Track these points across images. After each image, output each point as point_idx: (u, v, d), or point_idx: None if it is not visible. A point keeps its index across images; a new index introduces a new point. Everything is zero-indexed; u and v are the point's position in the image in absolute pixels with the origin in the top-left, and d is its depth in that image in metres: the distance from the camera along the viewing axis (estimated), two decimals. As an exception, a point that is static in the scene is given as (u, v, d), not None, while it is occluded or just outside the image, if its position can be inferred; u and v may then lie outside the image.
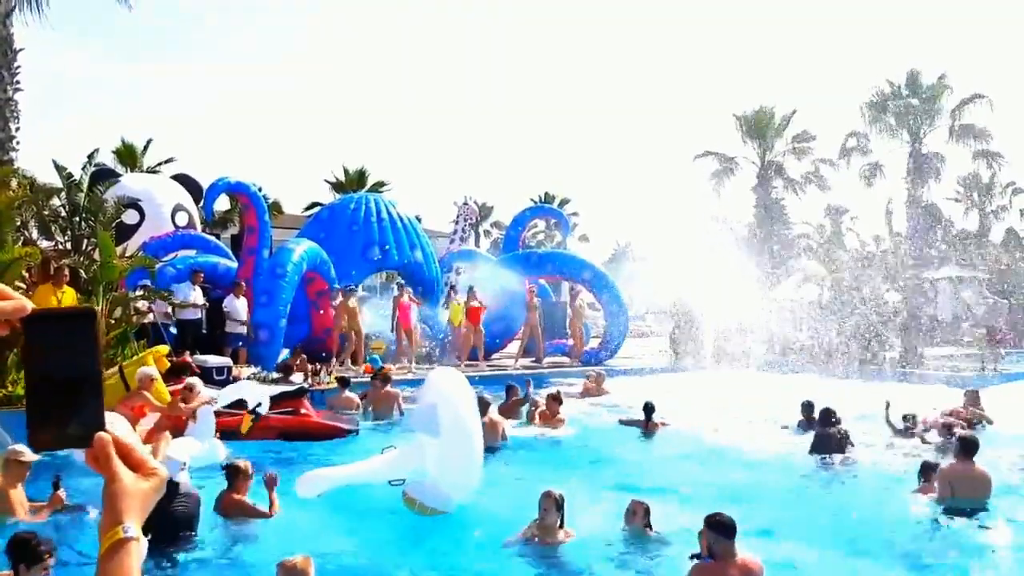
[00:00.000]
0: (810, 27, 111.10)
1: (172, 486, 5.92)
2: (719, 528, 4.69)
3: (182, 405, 8.94)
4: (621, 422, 11.37)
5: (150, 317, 13.93)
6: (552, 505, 5.92)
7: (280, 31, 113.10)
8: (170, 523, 5.77)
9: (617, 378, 16.56)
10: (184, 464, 6.07)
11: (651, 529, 6.13)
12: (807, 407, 10.93)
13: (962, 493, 7.15)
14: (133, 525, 1.09)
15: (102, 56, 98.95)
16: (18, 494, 6.14)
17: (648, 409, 11.04)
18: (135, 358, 10.54)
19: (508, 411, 11.45)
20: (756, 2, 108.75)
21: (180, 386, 9.59)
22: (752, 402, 12.15)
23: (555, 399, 11.34)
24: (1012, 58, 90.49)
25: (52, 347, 1.08)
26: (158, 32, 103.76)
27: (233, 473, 6.56)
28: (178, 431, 8.69)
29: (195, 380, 9.34)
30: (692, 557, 4.85)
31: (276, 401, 9.66)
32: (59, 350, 1.08)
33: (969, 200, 36.86)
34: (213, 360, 11.91)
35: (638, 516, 6.11)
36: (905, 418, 10.56)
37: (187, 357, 11.64)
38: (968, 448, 7.33)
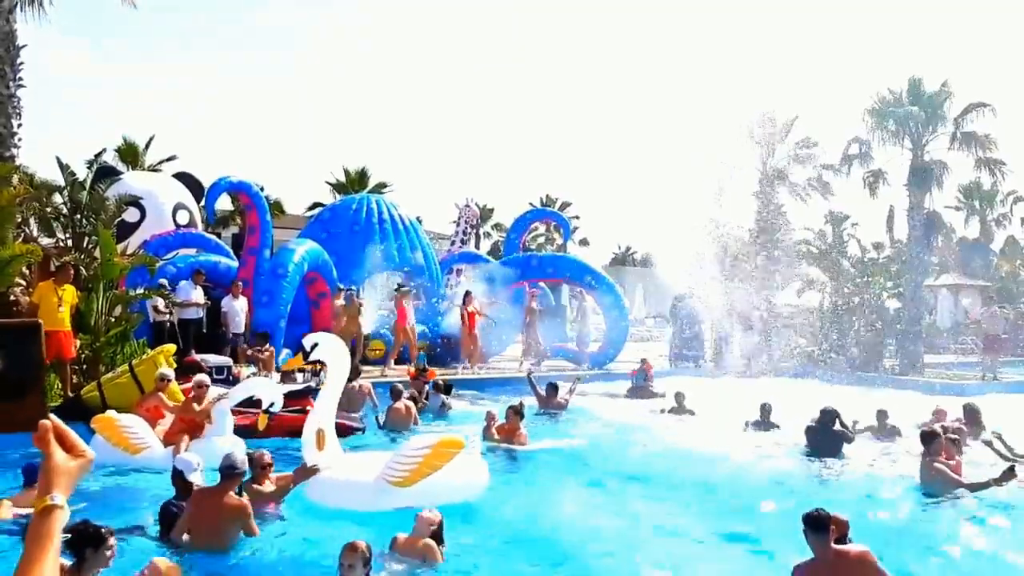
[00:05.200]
0: (812, 33, 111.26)
1: (187, 486, 5.94)
2: (808, 522, 4.85)
3: (195, 406, 8.94)
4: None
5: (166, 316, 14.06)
6: (358, 561, 4.82)
7: (281, 31, 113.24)
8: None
9: (617, 382, 16.58)
10: (198, 465, 6.10)
11: (442, 545, 5.64)
12: (765, 408, 11.51)
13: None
14: (60, 495, 1.40)
15: (103, 54, 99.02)
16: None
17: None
18: (145, 357, 10.55)
19: (547, 402, 12.74)
20: (758, 8, 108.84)
21: (190, 384, 9.68)
22: (745, 406, 12.11)
23: (517, 412, 10.16)
24: (1015, 66, 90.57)
25: (4, 353, 1.42)
26: (159, 30, 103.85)
27: (259, 464, 6.69)
28: (195, 432, 8.72)
29: (204, 377, 9.35)
30: None
31: (284, 399, 9.70)
32: (10, 355, 1.42)
33: (970, 208, 36.90)
34: (213, 359, 11.90)
35: (434, 527, 5.58)
36: (880, 414, 10.81)
37: (194, 356, 11.67)
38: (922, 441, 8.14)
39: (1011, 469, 7.60)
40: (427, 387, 12.73)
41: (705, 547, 6.54)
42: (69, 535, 4.42)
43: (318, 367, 13.88)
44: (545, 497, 7.98)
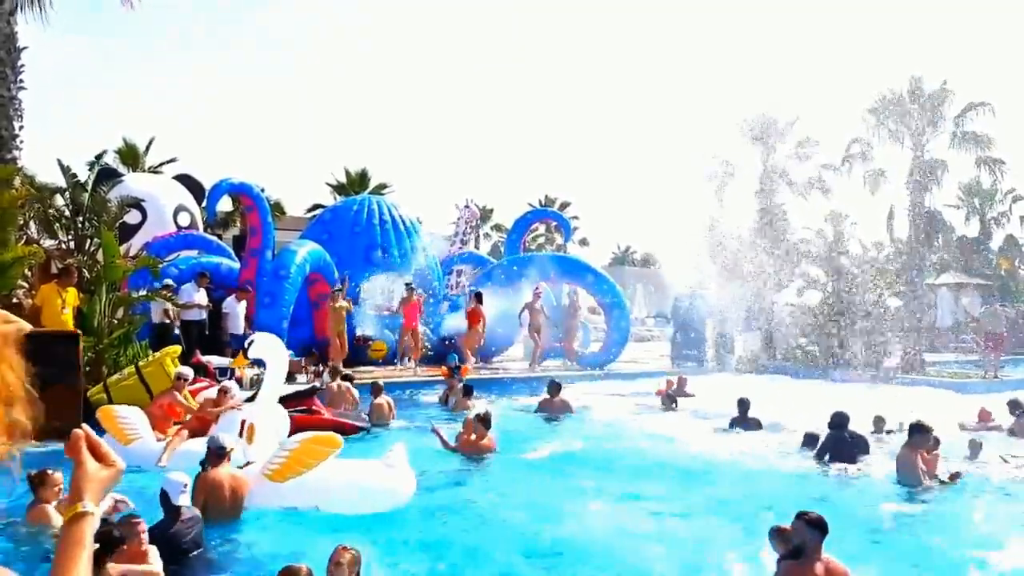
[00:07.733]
0: (812, 32, 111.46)
1: (174, 510, 5.66)
2: (816, 525, 4.74)
3: (211, 409, 8.96)
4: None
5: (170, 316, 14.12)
6: None
7: (282, 31, 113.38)
8: (174, 545, 5.51)
9: (617, 381, 16.59)
10: (184, 486, 5.80)
11: None
12: (742, 403, 11.48)
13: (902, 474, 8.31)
14: (90, 503, 1.41)
15: (103, 54, 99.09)
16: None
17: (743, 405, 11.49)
18: (152, 358, 10.55)
19: (551, 405, 12.78)
20: (758, 7, 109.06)
21: (199, 385, 9.80)
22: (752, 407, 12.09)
23: (482, 420, 9.67)
24: (1015, 65, 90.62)
25: (42, 361, 1.37)
26: (159, 31, 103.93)
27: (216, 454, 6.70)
28: (202, 431, 8.69)
29: (231, 384, 9.39)
30: None
31: (289, 399, 9.72)
32: (48, 363, 1.38)
33: (970, 207, 36.91)
34: (216, 361, 11.92)
35: (353, 567, 4.90)
36: (877, 420, 10.73)
37: (199, 357, 11.72)
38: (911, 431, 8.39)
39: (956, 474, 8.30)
40: (460, 384, 12.91)
41: (694, 545, 6.52)
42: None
43: (321, 368, 14.08)
44: (521, 501, 7.89)
